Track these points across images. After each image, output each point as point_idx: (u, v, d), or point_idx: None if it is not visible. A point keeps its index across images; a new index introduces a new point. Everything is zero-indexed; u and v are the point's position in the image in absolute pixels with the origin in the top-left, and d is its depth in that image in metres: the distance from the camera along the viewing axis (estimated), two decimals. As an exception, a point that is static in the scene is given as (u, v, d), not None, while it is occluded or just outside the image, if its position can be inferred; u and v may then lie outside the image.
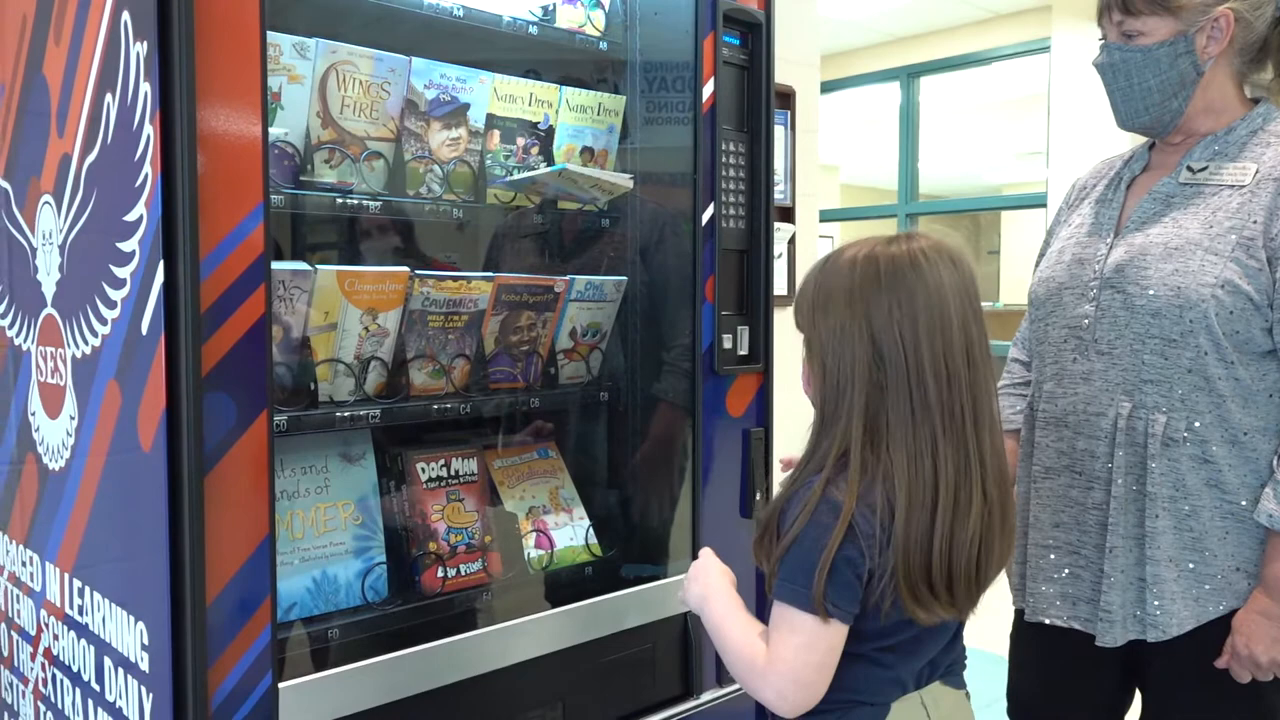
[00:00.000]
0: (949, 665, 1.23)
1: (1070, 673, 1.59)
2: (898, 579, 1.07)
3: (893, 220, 6.42)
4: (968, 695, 1.27)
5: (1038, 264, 1.70)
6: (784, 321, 3.08)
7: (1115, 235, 1.52)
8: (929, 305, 1.07)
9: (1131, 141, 1.65)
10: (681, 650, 1.75)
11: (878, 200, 7.92)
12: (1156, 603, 1.43)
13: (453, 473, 1.71)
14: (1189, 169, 1.50)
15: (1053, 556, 1.54)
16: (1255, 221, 1.40)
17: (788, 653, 1.11)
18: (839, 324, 1.11)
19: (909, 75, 6.24)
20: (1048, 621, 1.54)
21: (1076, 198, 1.70)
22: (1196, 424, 1.41)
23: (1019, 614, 1.64)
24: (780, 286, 3.26)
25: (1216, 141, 1.50)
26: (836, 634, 1.10)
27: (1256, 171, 1.43)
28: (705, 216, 1.75)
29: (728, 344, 1.79)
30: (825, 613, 1.08)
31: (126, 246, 1.26)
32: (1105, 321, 1.48)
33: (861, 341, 1.09)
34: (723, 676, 1.78)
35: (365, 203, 1.54)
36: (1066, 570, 1.52)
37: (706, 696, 1.77)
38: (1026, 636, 1.64)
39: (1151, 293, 1.42)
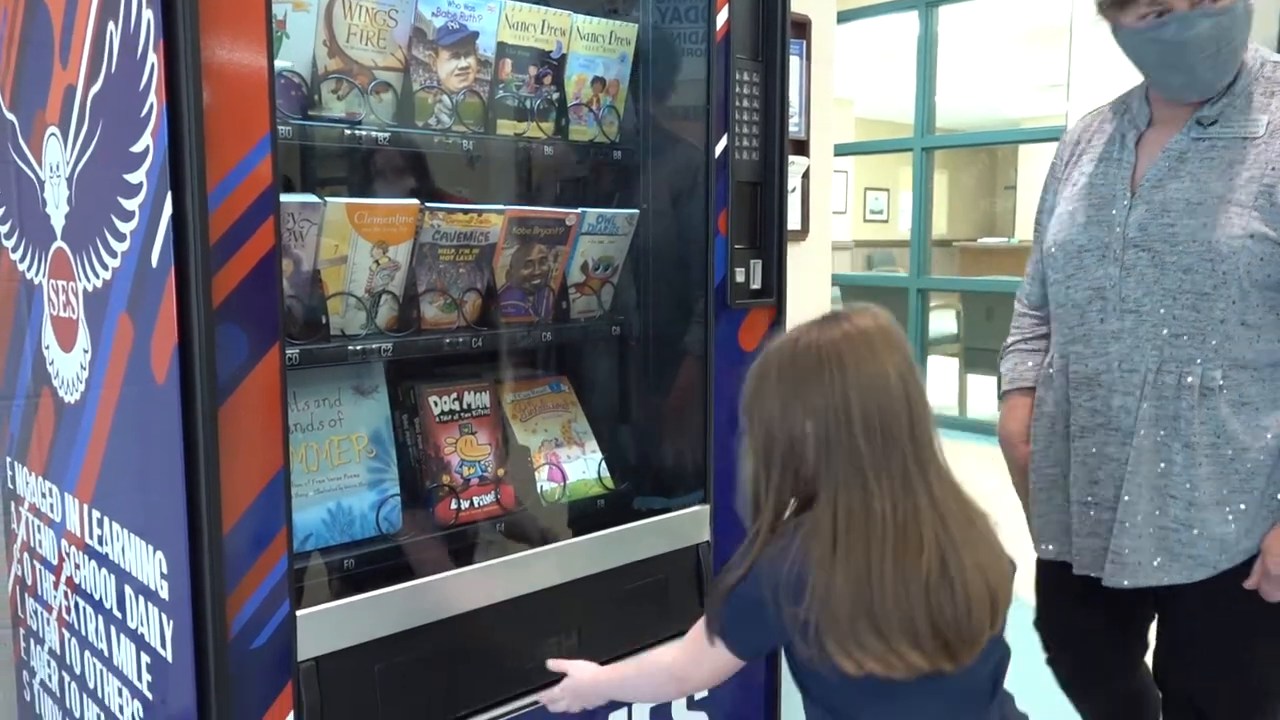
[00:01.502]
0: None
1: (1104, 616, 1.65)
2: (814, 633, 1.05)
3: (908, 154, 6.33)
4: None
5: (1038, 221, 1.73)
6: (797, 256, 3.04)
7: (1132, 195, 1.51)
8: (860, 374, 1.07)
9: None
10: (695, 580, 1.77)
11: (893, 134, 7.80)
12: (1201, 544, 1.46)
13: (465, 406, 1.71)
14: (1199, 123, 1.49)
15: (1093, 513, 1.56)
16: (1274, 169, 1.41)
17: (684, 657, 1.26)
18: (775, 412, 1.11)
19: (927, 5, 6.09)
20: (1093, 575, 1.56)
21: (1072, 155, 1.68)
22: (1230, 370, 1.44)
23: (1040, 562, 1.69)
24: (794, 221, 3.22)
25: (1224, 94, 1.48)
26: (720, 659, 1.18)
27: (1268, 122, 1.44)
28: (718, 148, 1.73)
29: (740, 278, 1.77)
30: (713, 632, 1.16)
31: (134, 178, 1.25)
32: (1131, 280, 1.49)
33: (796, 421, 1.09)
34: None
35: (374, 134, 1.52)
36: (1105, 524, 1.54)
37: (717, 627, 1.80)
38: (1056, 583, 1.67)
39: (1182, 249, 1.44)
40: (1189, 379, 1.44)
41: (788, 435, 1.09)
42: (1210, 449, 1.44)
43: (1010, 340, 1.79)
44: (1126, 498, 1.48)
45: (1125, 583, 1.50)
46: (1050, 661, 1.77)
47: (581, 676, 1.41)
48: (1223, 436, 1.44)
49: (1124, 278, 1.50)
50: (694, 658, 1.22)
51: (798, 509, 1.10)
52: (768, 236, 1.82)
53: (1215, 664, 1.53)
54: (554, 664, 1.44)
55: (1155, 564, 1.48)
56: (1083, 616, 1.68)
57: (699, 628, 1.20)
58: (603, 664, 1.48)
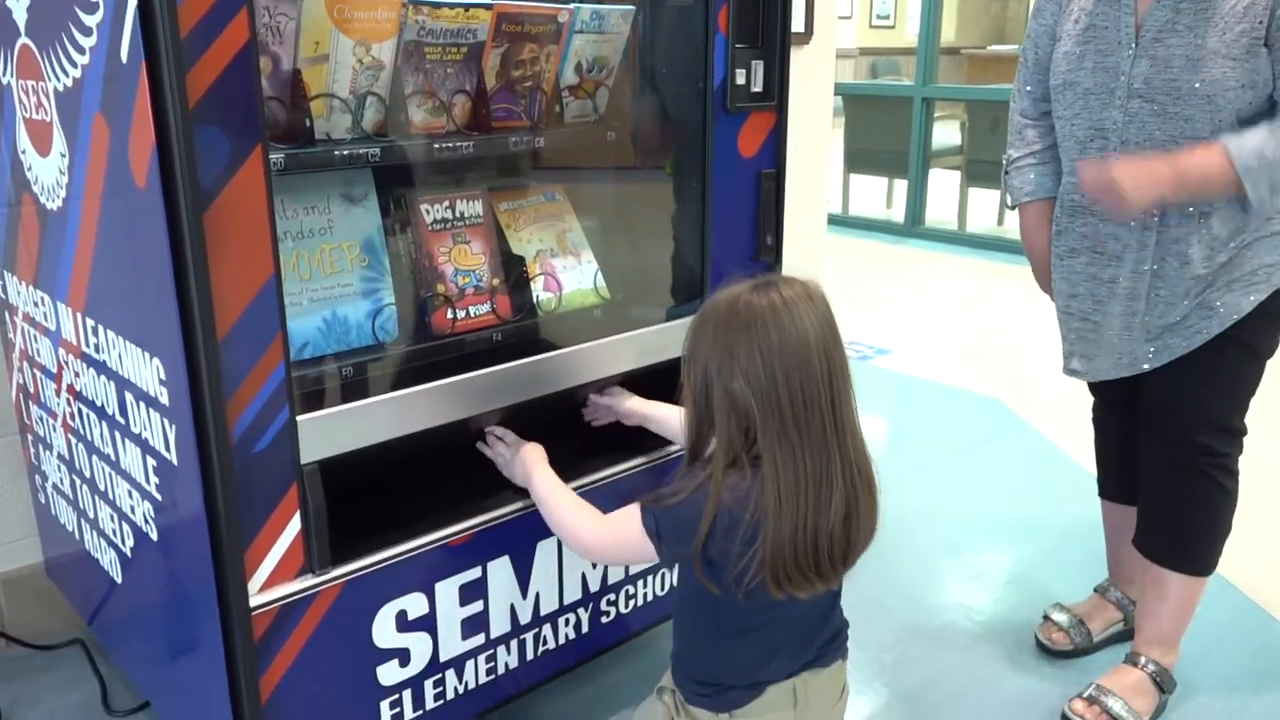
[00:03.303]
0: (821, 654, 1.37)
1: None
2: (764, 570, 1.20)
3: (920, -47, 5.98)
4: (844, 659, 1.41)
5: (1035, 40, 1.81)
6: (800, 60, 2.91)
7: (1136, 44, 1.63)
8: (785, 343, 1.18)
9: None
10: (688, 390, 1.78)
11: (905, -70, 7.35)
12: (1169, 337, 1.71)
13: (458, 215, 1.68)
14: None
15: (1073, 322, 1.81)
16: (1261, 22, 1.54)
17: (609, 540, 1.37)
18: (712, 362, 1.23)
19: None
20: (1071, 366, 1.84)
21: None
22: (1209, 204, 1.62)
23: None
24: (797, 23, 3.07)
25: None
26: (642, 554, 1.29)
27: None
28: (720, -64, 1.62)
29: (741, 80, 1.70)
30: (650, 534, 1.27)
31: (95, -36, 1.17)
32: (1134, 126, 1.65)
33: (732, 377, 1.21)
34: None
35: (350, -82, 1.41)
36: (1079, 331, 1.81)
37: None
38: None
39: (1184, 101, 1.59)
40: (1184, 211, 1.63)
41: (725, 389, 1.21)
42: (1177, 258, 1.67)
43: (1018, 154, 1.89)
44: (1108, 309, 1.73)
45: (1102, 377, 1.80)
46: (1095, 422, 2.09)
47: (524, 461, 1.52)
48: (1182, 259, 1.66)
49: (1126, 123, 1.65)
50: (616, 542, 1.35)
51: (751, 459, 1.22)
52: (770, 35, 1.73)
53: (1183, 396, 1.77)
54: (495, 430, 1.59)
55: (1118, 360, 1.76)
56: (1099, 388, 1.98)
57: (629, 521, 1.29)
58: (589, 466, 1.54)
